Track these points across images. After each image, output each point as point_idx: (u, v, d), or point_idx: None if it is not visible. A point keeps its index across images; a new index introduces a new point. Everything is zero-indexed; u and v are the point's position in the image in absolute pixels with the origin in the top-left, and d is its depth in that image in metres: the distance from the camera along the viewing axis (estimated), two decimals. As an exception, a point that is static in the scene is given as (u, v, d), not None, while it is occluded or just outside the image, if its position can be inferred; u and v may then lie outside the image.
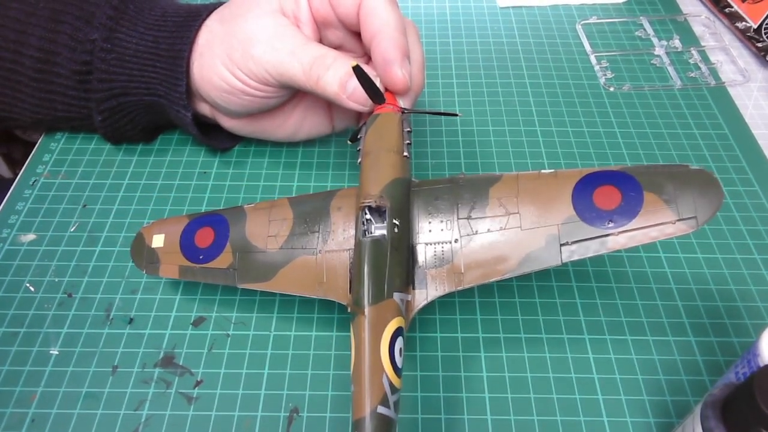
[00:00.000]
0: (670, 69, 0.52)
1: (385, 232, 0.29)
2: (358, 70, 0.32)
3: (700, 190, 0.27)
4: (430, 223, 0.31)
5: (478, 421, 0.31)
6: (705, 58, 0.53)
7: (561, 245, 0.28)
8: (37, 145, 0.45)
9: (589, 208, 0.28)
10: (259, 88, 0.36)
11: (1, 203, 0.41)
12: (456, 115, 0.36)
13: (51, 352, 0.34)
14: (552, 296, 0.36)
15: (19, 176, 0.43)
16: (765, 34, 0.53)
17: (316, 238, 0.32)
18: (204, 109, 0.41)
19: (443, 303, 0.36)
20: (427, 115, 0.47)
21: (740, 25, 0.55)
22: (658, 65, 0.52)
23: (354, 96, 0.34)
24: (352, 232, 0.31)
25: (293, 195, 0.41)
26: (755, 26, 0.54)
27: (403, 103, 0.35)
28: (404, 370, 0.33)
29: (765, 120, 0.48)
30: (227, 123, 0.41)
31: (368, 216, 0.30)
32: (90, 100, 0.40)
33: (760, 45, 0.53)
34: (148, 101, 0.40)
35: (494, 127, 0.47)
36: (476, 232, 0.30)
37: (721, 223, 0.40)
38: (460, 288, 0.30)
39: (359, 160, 0.33)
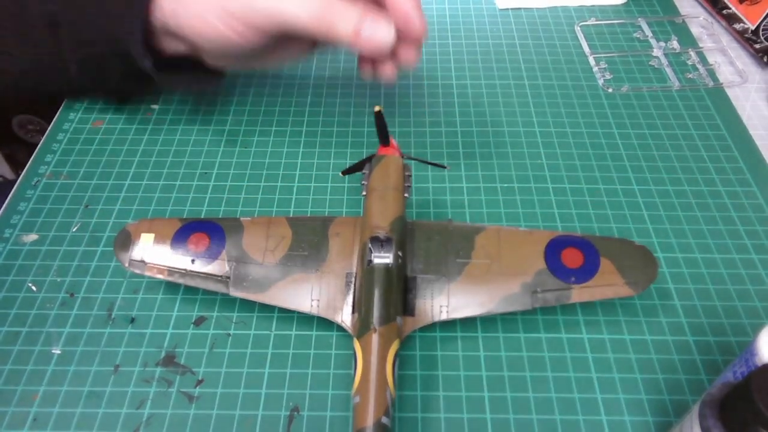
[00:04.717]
0: (668, 70, 0.52)
1: (390, 261, 0.32)
2: (379, 115, 0.35)
3: (642, 265, 0.34)
4: (423, 259, 0.34)
5: (478, 420, 0.32)
6: (703, 60, 0.53)
7: (532, 292, 0.33)
8: (39, 146, 0.46)
9: (557, 264, 0.34)
10: (257, 38, 0.36)
11: (4, 204, 0.42)
12: (444, 167, 0.39)
13: (53, 351, 0.34)
14: (551, 296, 0.37)
15: (21, 177, 0.43)
16: (763, 35, 0.53)
17: (314, 258, 0.34)
18: (179, 47, 0.40)
19: (443, 303, 0.36)
20: (428, 112, 0.47)
21: (738, 26, 0.55)
22: (656, 66, 0.52)
23: (371, 41, 0.35)
24: (349, 257, 0.34)
25: (294, 198, 0.42)
26: (753, 27, 0.54)
27: (401, 151, 0.38)
28: (404, 369, 0.33)
29: (762, 121, 0.48)
30: (211, 60, 0.40)
31: (376, 245, 0.33)
32: (64, 51, 0.40)
33: (757, 46, 0.53)
34: (114, 48, 0.39)
35: (493, 128, 0.47)
36: (462, 272, 0.34)
37: (719, 223, 0.41)
38: (443, 319, 0.33)
39: (363, 193, 0.36)
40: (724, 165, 0.44)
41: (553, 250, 0.34)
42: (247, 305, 0.36)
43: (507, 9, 0.58)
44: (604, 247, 0.34)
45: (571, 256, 0.34)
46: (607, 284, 0.33)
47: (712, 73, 0.52)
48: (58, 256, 0.39)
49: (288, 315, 0.36)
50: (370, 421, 0.28)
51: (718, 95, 0.50)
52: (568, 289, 0.33)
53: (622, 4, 0.59)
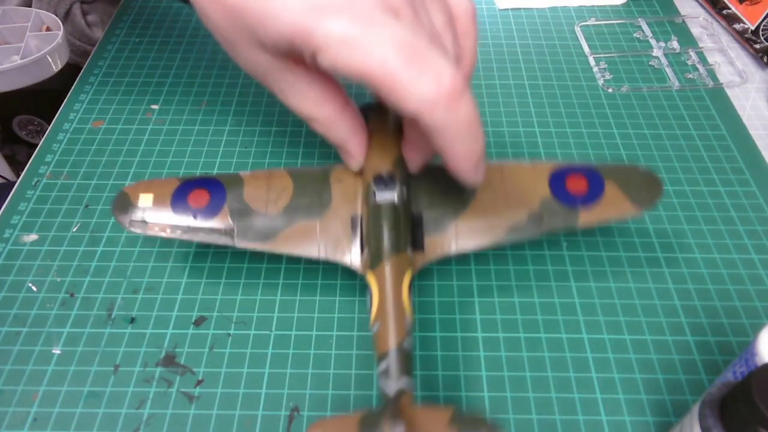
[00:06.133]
0: (668, 70, 0.52)
1: (395, 198, 0.32)
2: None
3: (646, 185, 0.35)
4: (428, 196, 0.34)
5: (478, 419, 0.32)
6: (703, 60, 0.53)
7: (540, 220, 0.34)
8: (39, 146, 0.46)
9: (562, 191, 0.34)
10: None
11: (4, 204, 0.42)
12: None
13: (53, 351, 0.34)
14: (551, 296, 0.37)
15: (21, 177, 0.43)
16: (763, 35, 0.53)
17: (317, 205, 0.34)
18: None
19: (443, 303, 0.36)
20: None
21: (738, 26, 0.55)
22: (656, 66, 0.52)
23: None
24: (353, 201, 0.34)
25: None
26: (753, 28, 0.54)
27: None
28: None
29: (762, 121, 0.48)
30: None
31: (380, 184, 0.33)
32: None
33: (757, 46, 0.53)
34: None
35: (493, 128, 0.47)
36: (468, 205, 0.34)
37: (719, 223, 0.41)
38: (453, 253, 0.34)
39: None
40: (724, 165, 0.44)
41: (557, 178, 0.35)
42: (247, 305, 0.36)
43: (507, 9, 0.58)
44: (608, 172, 0.35)
45: (575, 183, 0.34)
46: (613, 205, 0.34)
47: (712, 73, 0.52)
48: (58, 256, 0.39)
49: (288, 315, 0.36)
50: (392, 344, 0.28)
51: (718, 95, 0.50)
52: (574, 212, 0.34)
53: (622, 4, 0.59)
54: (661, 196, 0.34)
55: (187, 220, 0.34)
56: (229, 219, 0.34)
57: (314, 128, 0.33)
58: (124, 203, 0.35)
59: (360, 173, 0.35)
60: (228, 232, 0.34)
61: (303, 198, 0.35)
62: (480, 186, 0.33)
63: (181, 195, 0.35)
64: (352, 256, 0.33)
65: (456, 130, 0.27)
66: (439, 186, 0.35)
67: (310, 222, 0.34)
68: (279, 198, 0.35)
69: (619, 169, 0.35)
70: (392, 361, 0.28)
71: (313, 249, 0.34)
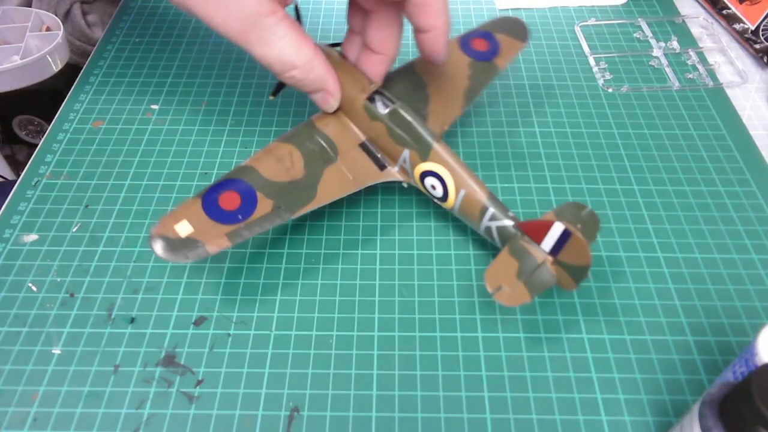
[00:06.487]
0: (668, 70, 0.52)
1: (397, 102, 0.37)
2: (296, 9, 0.41)
3: (519, 27, 0.46)
4: (400, 100, 0.38)
5: (478, 420, 0.32)
6: (703, 60, 0.53)
7: (478, 79, 0.43)
8: (39, 146, 0.46)
9: (476, 53, 0.44)
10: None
11: (4, 204, 0.42)
12: (338, 44, 0.41)
13: (53, 351, 0.34)
14: (551, 296, 0.37)
15: (21, 177, 0.43)
16: (762, 35, 0.53)
17: (327, 150, 0.38)
18: None
19: (443, 303, 0.36)
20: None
21: (738, 26, 0.55)
22: (656, 66, 0.52)
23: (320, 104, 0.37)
24: (349, 133, 0.38)
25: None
26: (753, 28, 0.54)
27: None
28: (406, 369, 0.33)
29: (762, 121, 0.48)
30: None
31: (375, 100, 0.38)
32: None
33: (757, 46, 0.53)
34: None
35: (493, 128, 0.47)
36: (429, 95, 0.41)
37: (719, 223, 0.41)
38: (446, 129, 0.41)
39: None
40: (724, 165, 0.44)
41: (466, 47, 0.44)
42: (247, 305, 0.36)
43: (507, 9, 0.58)
44: (492, 28, 0.45)
45: (480, 45, 0.44)
46: (510, 47, 0.44)
47: (712, 73, 0.52)
48: (58, 256, 0.39)
49: (288, 315, 0.36)
50: (485, 196, 0.35)
51: (718, 95, 0.50)
52: (492, 63, 0.44)
53: (622, 4, 0.59)
54: (528, 29, 0.45)
55: (236, 222, 0.34)
56: (270, 201, 0.35)
57: (293, 78, 0.35)
58: (168, 242, 0.32)
59: (338, 111, 0.38)
60: (278, 212, 0.34)
61: (312, 152, 0.37)
62: (426, 79, 0.42)
63: (212, 207, 0.34)
64: (384, 174, 0.38)
65: (439, 4, 0.34)
66: (402, 91, 0.40)
67: (333, 166, 0.37)
68: (293, 162, 0.36)
69: (497, 23, 0.46)
70: (494, 206, 0.35)
71: (351, 185, 0.37)
